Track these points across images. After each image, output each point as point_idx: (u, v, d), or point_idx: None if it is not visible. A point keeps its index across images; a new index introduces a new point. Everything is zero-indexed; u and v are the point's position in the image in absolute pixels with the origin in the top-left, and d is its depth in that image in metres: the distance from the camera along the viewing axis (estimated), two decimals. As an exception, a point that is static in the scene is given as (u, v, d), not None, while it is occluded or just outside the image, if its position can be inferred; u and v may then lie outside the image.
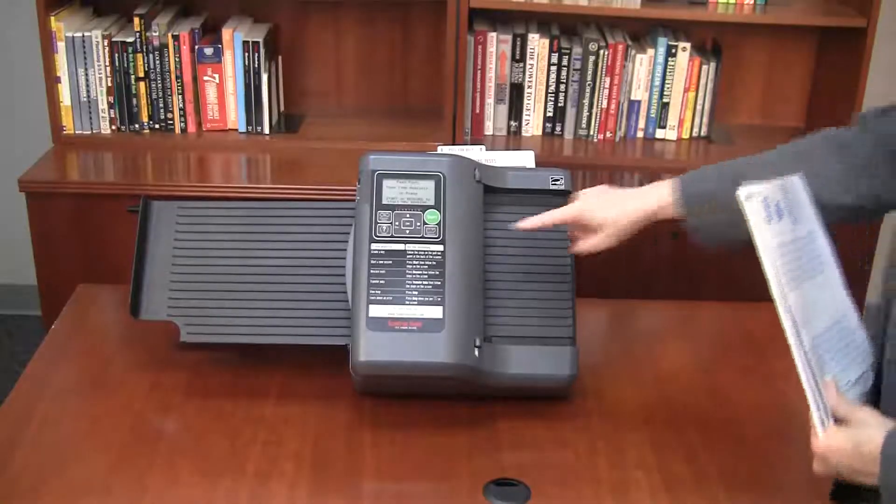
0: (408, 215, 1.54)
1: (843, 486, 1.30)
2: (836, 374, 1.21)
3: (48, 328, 1.76)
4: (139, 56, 2.58)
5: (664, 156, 2.72)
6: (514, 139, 2.77)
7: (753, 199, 1.25)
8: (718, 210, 1.41)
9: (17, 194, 2.40)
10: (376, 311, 1.48)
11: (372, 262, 1.51)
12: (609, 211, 1.50)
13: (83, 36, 2.55)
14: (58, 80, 2.57)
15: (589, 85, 2.69)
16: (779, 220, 1.27)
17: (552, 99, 2.74)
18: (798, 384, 1.18)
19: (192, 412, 1.54)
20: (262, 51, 2.60)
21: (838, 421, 1.17)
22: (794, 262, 1.24)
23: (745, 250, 1.24)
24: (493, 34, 2.67)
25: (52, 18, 2.52)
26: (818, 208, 1.29)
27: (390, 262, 1.51)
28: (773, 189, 1.27)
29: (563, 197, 1.61)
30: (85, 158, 2.57)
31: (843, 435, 1.15)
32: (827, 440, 1.16)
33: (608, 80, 2.69)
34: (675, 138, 2.80)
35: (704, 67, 2.72)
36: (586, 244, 1.54)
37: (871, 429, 1.14)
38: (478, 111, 2.74)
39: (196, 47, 2.60)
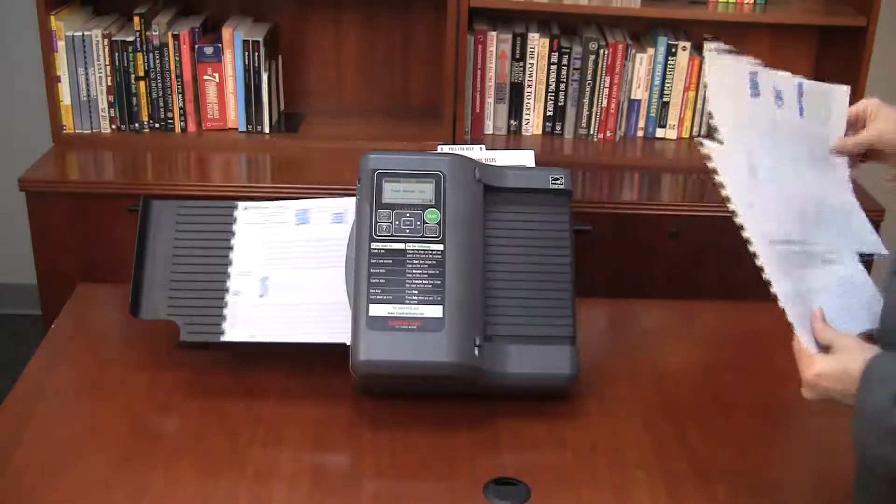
0: (408, 214, 1.54)
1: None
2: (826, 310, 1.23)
3: (48, 328, 1.76)
4: (139, 55, 2.58)
5: (664, 155, 2.72)
6: (514, 138, 2.77)
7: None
8: None
9: (17, 193, 2.40)
10: (376, 310, 1.48)
11: (372, 261, 1.51)
12: None
13: (83, 35, 2.55)
14: (58, 79, 2.57)
15: (589, 84, 2.69)
16: None
17: (552, 98, 2.73)
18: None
19: (192, 412, 1.54)
20: (262, 50, 2.60)
21: (823, 348, 1.19)
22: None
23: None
24: (493, 33, 2.67)
25: (52, 17, 2.52)
26: None
27: (390, 261, 1.51)
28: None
29: (563, 196, 1.61)
30: (85, 158, 2.57)
31: (830, 360, 1.17)
32: (815, 366, 1.18)
33: (608, 79, 2.69)
34: (675, 137, 2.80)
35: (704, 67, 2.71)
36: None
37: (856, 353, 1.17)
38: (478, 110, 2.74)
39: (196, 46, 2.60)
